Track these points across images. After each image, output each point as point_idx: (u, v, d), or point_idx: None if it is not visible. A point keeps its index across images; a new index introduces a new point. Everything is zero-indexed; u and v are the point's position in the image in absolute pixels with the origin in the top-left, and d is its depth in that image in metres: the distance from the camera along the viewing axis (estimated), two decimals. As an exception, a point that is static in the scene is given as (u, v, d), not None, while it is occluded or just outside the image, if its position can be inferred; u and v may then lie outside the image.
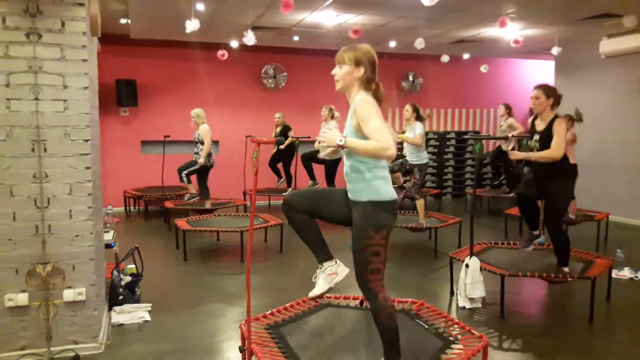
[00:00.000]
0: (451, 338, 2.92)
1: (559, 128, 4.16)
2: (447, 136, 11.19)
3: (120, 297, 4.18)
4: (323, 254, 2.82)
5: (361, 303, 3.50)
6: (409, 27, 7.67)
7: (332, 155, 2.44)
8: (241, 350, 2.78)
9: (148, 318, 4.05)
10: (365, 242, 2.56)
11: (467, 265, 4.26)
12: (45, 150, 3.23)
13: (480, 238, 5.67)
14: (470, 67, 11.02)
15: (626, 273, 5.25)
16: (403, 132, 6.63)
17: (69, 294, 3.33)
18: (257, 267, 5.68)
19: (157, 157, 8.54)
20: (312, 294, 2.78)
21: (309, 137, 8.08)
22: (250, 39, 6.74)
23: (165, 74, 9.44)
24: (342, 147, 2.47)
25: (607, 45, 7.85)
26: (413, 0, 5.85)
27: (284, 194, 8.80)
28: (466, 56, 10.35)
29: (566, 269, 4.26)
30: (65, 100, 3.25)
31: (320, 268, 2.80)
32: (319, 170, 8.49)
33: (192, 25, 6.11)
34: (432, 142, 11.02)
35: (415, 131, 6.35)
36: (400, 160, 6.85)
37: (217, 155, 7.76)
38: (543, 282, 5.05)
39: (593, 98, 8.90)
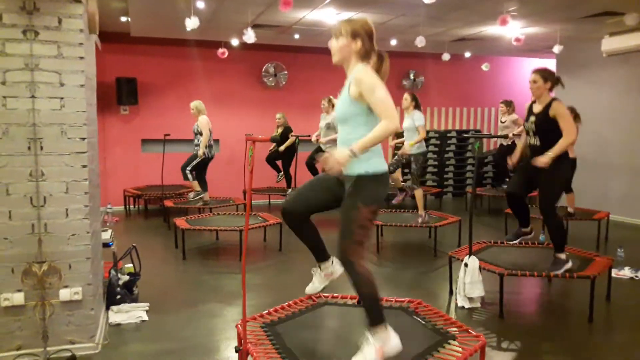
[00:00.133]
0: (448, 337, 2.90)
1: (562, 111, 4.14)
2: (448, 135, 11.16)
3: (118, 297, 4.16)
4: (321, 256, 2.93)
5: (358, 301, 3.47)
6: (409, 25, 7.64)
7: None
8: (237, 350, 2.76)
9: (146, 318, 4.04)
10: (354, 214, 2.54)
11: (466, 265, 4.24)
12: (41, 148, 3.21)
13: (480, 237, 5.65)
14: (471, 66, 10.98)
15: (626, 272, 5.22)
16: (402, 134, 6.64)
17: (65, 294, 3.31)
18: (256, 266, 5.67)
19: (158, 155, 8.53)
20: (308, 290, 2.92)
21: (309, 136, 8.06)
22: (250, 37, 6.72)
23: (166, 72, 9.42)
24: (356, 156, 2.46)
25: (609, 44, 7.81)
26: (413, -2, 5.83)
27: (284, 194, 8.83)
28: (467, 54, 10.32)
29: (563, 256, 4.24)
30: (62, 98, 3.23)
31: (318, 267, 2.81)
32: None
33: (191, 23, 6.09)
34: (433, 141, 10.99)
35: (419, 121, 6.32)
36: (395, 158, 6.84)
37: (217, 154, 7.75)
38: (542, 281, 5.04)
39: (595, 96, 8.86)
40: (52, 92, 3.20)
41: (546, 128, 4.20)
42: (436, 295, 4.73)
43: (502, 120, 8.78)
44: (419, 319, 3.19)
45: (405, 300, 3.52)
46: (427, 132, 9.06)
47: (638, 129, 8.26)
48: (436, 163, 11.14)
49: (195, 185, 7.60)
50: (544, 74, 4.28)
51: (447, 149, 11.18)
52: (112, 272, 4.25)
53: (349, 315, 3.39)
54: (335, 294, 3.66)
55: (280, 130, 9.06)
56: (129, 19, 7.54)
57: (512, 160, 4.75)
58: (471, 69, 11.09)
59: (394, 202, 6.91)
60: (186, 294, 4.77)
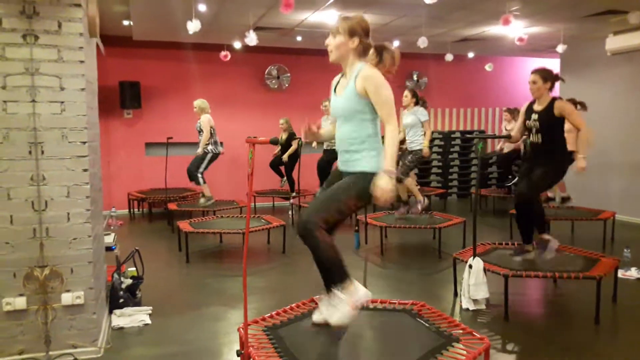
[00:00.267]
0: (452, 340, 2.87)
1: (568, 108, 4.27)
2: (452, 136, 11.12)
3: (121, 300, 4.15)
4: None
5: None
6: (412, 26, 7.62)
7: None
8: (239, 354, 2.74)
9: (149, 321, 4.02)
10: (341, 196, 2.59)
11: (470, 266, 4.21)
12: (42, 152, 3.20)
13: (485, 238, 5.61)
14: (474, 66, 10.95)
15: (633, 273, 5.17)
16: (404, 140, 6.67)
17: (67, 298, 3.30)
18: (260, 268, 5.65)
19: (161, 159, 8.54)
20: (336, 320, 2.62)
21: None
22: (252, 39, 6.72)
23: (169, 75, 9.43)
24: (394, 174, 2.54)
25: (613, 43, 7.76)
26: (415, -1, 5.81)
27: (287, 197, 8.81)
28: (471, 55, 10.28)
29: (547, 236, 4.48)
30: (63, 102, 3.22)
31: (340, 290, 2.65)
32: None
33: (193, 26, 6.09)
34: (437, 142, 10.95)
35: (424, 117, 6.42)
36: (399, 163, 6.80)
37: (220, 156, 7.74)
38: (548, 282, 5.00)
39: (599, 96, 8.80)
40: (53, 96, 3.19)
41: (549, 125, 4.30)
42: (440, 297, 4.70)
43: (508, 128, 8.75)
44: (422, 322, 3.16)
45: (409, 302, 3.50)
46: (431, 132, 9.04)
47: (643, 128, 8.21)
48: (440, 164, 11.10)
49: (206, 189, 7.55)
50: (544, 74, 4.33)
51: (451, 149, 11.14)
52: (115, 275, 4.24)
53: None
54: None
55: (284, 136, 9.05)
56: (131, 23, 7.55)
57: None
58: (474, 70, 11.06)
59: (396, 214, 6.78)
60: (189, 297, 4.76)
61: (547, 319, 4.26)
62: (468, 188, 11.23)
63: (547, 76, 4.33)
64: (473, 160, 11.25)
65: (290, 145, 8.89)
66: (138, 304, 4.25)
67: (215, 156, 7.50)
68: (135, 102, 9.06)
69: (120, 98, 8.99)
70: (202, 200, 7.69)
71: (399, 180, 6.74)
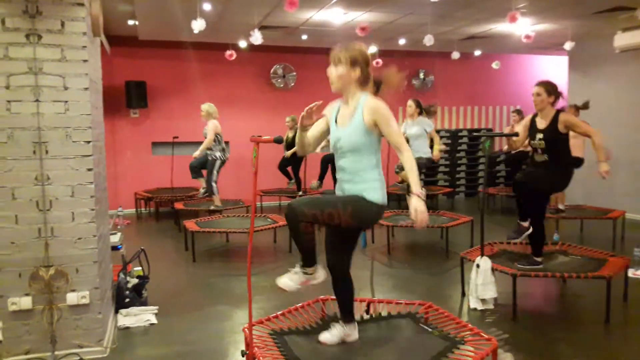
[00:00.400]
0: (459, 341, 2.84)
1: (573, 120, 4.24)
2: (459, 134, 11.06)
3: (127, 300, 4.14)
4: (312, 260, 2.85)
5: (367, 310, 3.41)
6: (418, 24, 7.57)
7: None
8: (243, 354, 2.73)
9: (154, 321, 4.01)
10: (338, 206, 2.60)
11: (477, 266, 4.16)
12: (46, 152, 3.20)
13: (492, 237, 5.55)
14: (481, 64, 10.87)
15: (643, 272, 5.10)
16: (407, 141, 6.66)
17: (72, 297, 3.29)
18: (266, 268, 5.63)
19: (168, 158, 8.55)
20: (282, 284, 2.78)
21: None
22: (256, 38, 6.69)
23: (175, 75, 9.44)
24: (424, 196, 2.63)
25: (622, 39, 7.67)
26: (421, -4, 5.77)
27: (294, 196, 8.78)
28: (477, 53, 10.22)
29: (526, 224, 4.40)
30: (66, 102, 3.21)
31: (302, 269, 2.78)
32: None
33: (198, 25, 6.08)
34: (444, 140, 10.88)
35: (430, 127, 6.50)
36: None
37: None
38: (556, 282, 4.94)
39: (608, 93, 8.72)
40: (56, 95, 3.18)
41: (556, 142, 4.23)
42: (448, 296, 4.66)
43: (517, 130, 8.69)
44: (426, 327, 3.11)
45: (416, 303, 3.46)
46: (438, 131, 9.01)
47: (653, 126, 8.11)
48: (448, 162, 11.04)
49: (216, 199, 7.51)
50: (548, 87, 4.27)
51: (459, 148, 11.08)
52: (121, 275, 4.24)
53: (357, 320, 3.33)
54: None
55: (291, 134, 9.03)
56: (136, 22, 7.55)
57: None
58: (481, 68, 10.98)
59: (402, 223, 6.71)
60: (195, 297, 4.74)
61: (556, 319, 4.20)
62: (475, 187, 11.17)
63: (551, 90, 4.24)
64: (480, 159, 11.19)
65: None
66: (144, 304, 4.24)
67: (223, 163, 7.48)
68: (142, 101, 9.07)
69: (127, 98, 9.01)
70: (201, 190, 7.71)
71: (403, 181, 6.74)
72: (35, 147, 3.17)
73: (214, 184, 7.41)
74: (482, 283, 4.14)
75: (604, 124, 7.99)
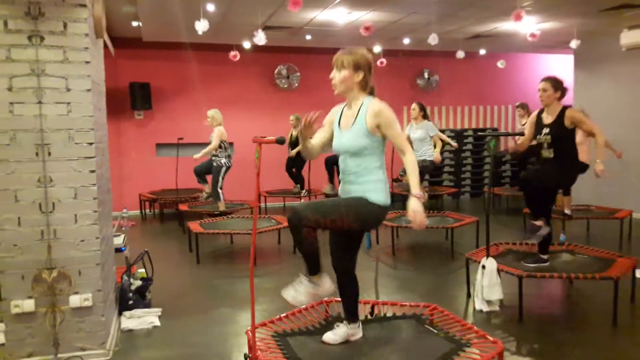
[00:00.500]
0: (465, 344, 2.80)
1: (579, 117, 4.21)
2: (465, 134, 11.00)
3: (130, 302, 4.13)
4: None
5: (371, 312, 3.38)
6: (422, 23, 7.53)
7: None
8: (246, 357, 2.70)
9: (158, 323, 4.00)
10: (341, 211, 2.59)
11: (483, 267, 4.12)
12: (49, 154, 3.18)
13: (498, 238, 5.52)
14: (486, 63, 10.81)
15: (652, 273, 5.04)
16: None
17: (75, 300, 3.28)
18: (270, 269, 5.61)
19: (172, 159, 8.54)
20: (289, 298, 2.75)
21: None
22: (260, 38, 6.68)
23: (179, 76, 9.43)
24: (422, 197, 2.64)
25: (628, 37, 7.60)
26: (425, -5, 5.74)
27: (301, 198, 8.76)
28: (482, 52, 10.16)
29: (539, 222, 4.33)
30: (69, 103, 3.20)
31: (307, 277, 2.75)
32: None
33: (201, 25, 6.07)
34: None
35: (434, 131, 6.62)
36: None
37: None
38: (563, 283, 4.90)
39: (614, 92, 8.65)
40: (59, 97, 3.17)
41: (562, 138, 4.22)
42: (453, 298, 4.62)
43: (522, 124, 8.62)
44: (431, 328, 3.08)
45: (421, 305, 3.43)
46: (443, 131, 8.99)
47: (660, 125, 8.04)
48: (453, 162, 10.99)
49: (221, 205, 7.50)
50: (554, 82, 4.28)
51: (464, 148, 11.03)
52: (125, 277, 4.22)
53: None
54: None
55: (295, 133, 9.01)
56: (140, 24, 7.55)
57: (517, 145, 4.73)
58: (486, 67, 10.92)
59: (403, 224, 6.65)
60: (199, 299, 4.73)
61: (562, 321, 4.16)
62: (481, 187, 11.11)
63: (557, 85, 4.25)
64: (486, 159, 11.13)
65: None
66: (147, 306, 4.23)
67: (228, 169, 7.48)
68: (146, 103, 9.08)
69: (131, 99, 9.01)
70: (204, 194, 7.75)
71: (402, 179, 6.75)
72: (37, 149, 3.16)
73: (219, 191, 7.41)
74: (488, 284, 4.10)
75: (611, 123, 7.94)
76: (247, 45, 8.59)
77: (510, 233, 7.08)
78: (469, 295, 4.56)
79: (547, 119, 4.29)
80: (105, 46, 6.57)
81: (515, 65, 11.22)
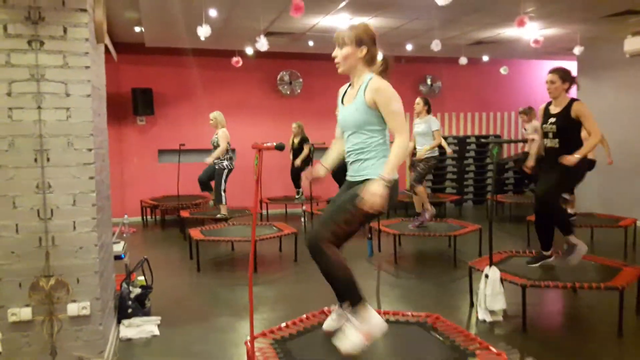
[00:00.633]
0: (468, 355, 2.75)
1: (585, 111, 4.15)
2: (467, 140, 10.96)
3: (129, 310, 4.08)
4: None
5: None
6: (424, 29, 7.51)
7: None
8: (246, 368, 2.65)
9: (157, 332, 3.94)
10: (349, 207, 2.53)
11: (486, 276, 4.07)
12: (48, 160, 3.15)
13: (501, 246, 5.46)
14: (489, 69, 10.79)
15: (657, 282, 4.97)
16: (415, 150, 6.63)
17: (73, 308, 3.23)
18: (271, 277, 5.56)
19: (174, 166, 8.51)
20: (347, 348, 2.56)
21: (324, 144, 7.95)
22: (262, 44, 6.66)
23: (181, 82, 9.42)
24: (390, 183, 2.49)
25: (632, 44, 7.56)
26: (427, 1, 5.70)
27: (303, 205, 8.72)
28: (485, 58, 10.13)
29: (573, 239, 4.30)
30: (68, 109, 3.17)
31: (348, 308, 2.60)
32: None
33: (203, 31, 6.06)
34: (451, 147, 10.79)
35: (436, 126, 6.51)
36: (417, 171, 6.66)
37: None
38: (567, 293, 4.83)
39: (618, 98, 8.61)
40: (58, 102, 3.14)
41: (567, 129, 4.22)
42: (456, 307, 4.56)
43: (525, 129, 8.56)
44: (436, 336, 3.03)
45: (423, 314, 3.37)
46: (445, 138, 8.93)
47: (665, 132, 7.98)
48: (455, 169, 10.94)
49: (224, 208, 7.48)
50: (562, 74, 4.27)
51: (467, 155, 10.98)
52: (124, 285, 4.18)
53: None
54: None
55: (297, 140, 8.99)
56: (143, 29, 7.54)
57: (528, 164, 4.77)
58: (489, 73, 10.90)
59: (410, 226, 6.57)
60: (199, 307, 4.68)
61: (567, 331, 4.10)
62: (484, 194, 11.05)
63: (565, 76, 4.26)
64: (489, 166, 11.08)
65: (302, 150, 8.82)
66: (147, 314, 4.18)
67: (230, 171, 7.47)
68: (148, 108, 9.06)
69: (133, 105, 9.00)
70: (211, 202, 7.75)
71: (413, 191, 6.67)
72: (36, 155, 3.12)
73: (222, 193, 7.40)
74: (491, 294, 4.04)
75: (614, 129, 7.89)
76: (249, 51, 8.57)
77: (514, 241, 7.02)
78: (472, 304, 4.50)
79: (555, 109, 4.31)
80: (108, 51, 6.56)
81: (519, 71, 11.20)
